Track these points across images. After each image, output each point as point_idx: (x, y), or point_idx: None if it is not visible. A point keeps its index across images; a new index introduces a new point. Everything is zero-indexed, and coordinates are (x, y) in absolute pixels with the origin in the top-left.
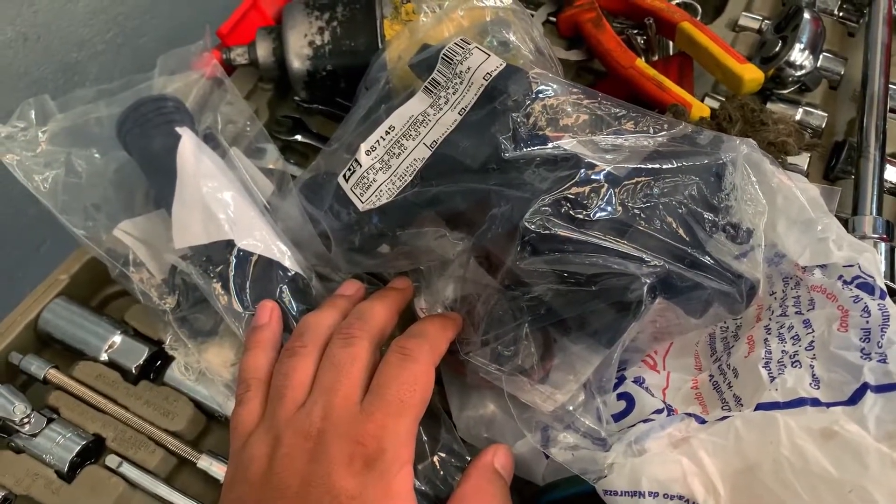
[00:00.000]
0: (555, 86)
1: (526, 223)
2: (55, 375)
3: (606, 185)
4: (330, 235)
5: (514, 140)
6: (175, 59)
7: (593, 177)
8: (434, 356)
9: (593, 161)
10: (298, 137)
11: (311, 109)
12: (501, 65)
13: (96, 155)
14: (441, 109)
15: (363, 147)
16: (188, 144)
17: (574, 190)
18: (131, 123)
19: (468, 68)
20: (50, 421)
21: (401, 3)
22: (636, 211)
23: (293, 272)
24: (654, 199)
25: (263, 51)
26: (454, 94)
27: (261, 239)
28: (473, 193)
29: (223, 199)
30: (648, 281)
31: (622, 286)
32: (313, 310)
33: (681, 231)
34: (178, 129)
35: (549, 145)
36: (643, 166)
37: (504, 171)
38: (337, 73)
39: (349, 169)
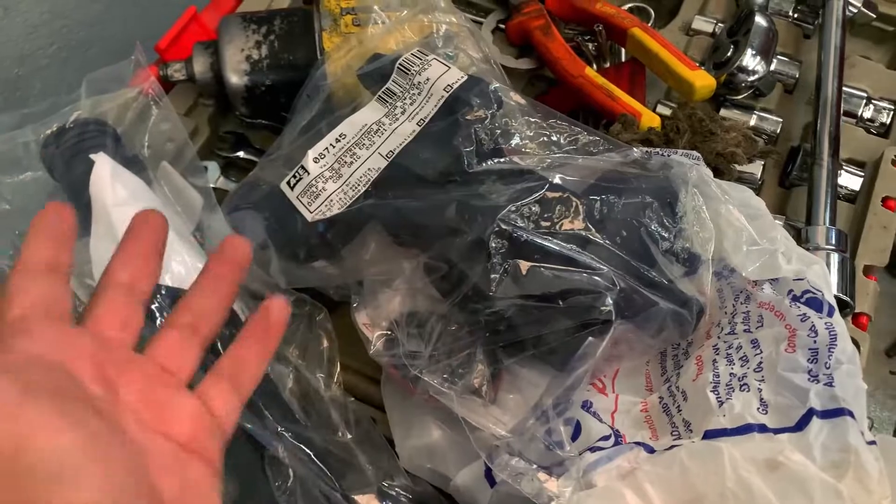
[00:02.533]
0: (515, 99)
1: (495, 231)
2: None
3: (570, 198)
4: (272, 248)
5: (478, 153)
6: (105, 77)
7: (554, 191)
8: None
9: (552, 176)
10: (241, 154)
11: (254, 124)
12: (462, 77)
13: (26, 181)
14: (397, 119)
15: (311, 154)
16: (102, 172)
17: (538, 202)
18: (52, 151)
19: (427, 79)
20: None
21: (339, 15)
22: (598, 226)
23: None
24: (615, 215)
25: (200, 66)
26: (412, 104)
27: (178, 269)
28: (435, 205)
29: None
30: (614, 298)
31: (588, 304)
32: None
33: (639, 249)
34: (93, 156)
35: (510, 159)
36: (602, 184)
37: (466, 183)
38: (276, 87)
39: (294, 176)
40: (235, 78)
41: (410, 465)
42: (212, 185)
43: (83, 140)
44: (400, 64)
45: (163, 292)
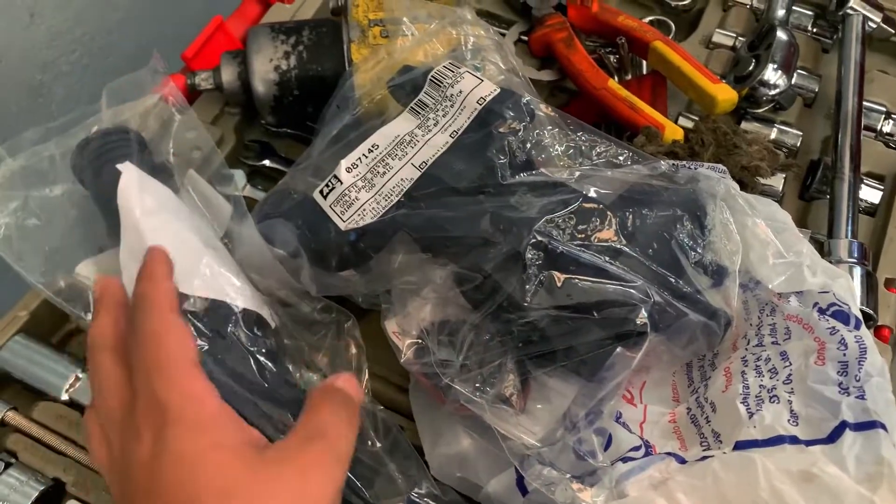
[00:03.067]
0: (546, 111)
1: (531, 243)
2: (13, 417)
3: (603, 210)
4: (303, 256)
5: (511, 165)
6: (125, 86)
7: (588, 203)
8: (166, 303)
9: (586, 189)
10: (267, 162)
11: (279, 133)
12: (495, 90)
13: (54, 194)
14: (430, 131)
15: (343, 164)
16: (129, 183)
17: (572, 214)
18: (83, 163)
19: (460, 91)
20: (7, 466)
21: (368, 26)
22: (630, 238)
23: (241, 309)
24: (646, 228)
25: (228, 76)
26: (444, 116)
27: (205, 280)
28: (469, 216)
29: (165, 240)
30: (648, 310)
31: (623, 316)
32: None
33: (670, 261)
34: (119, 166)
35: (542, 171)
36: (632, 196)
37: (499, 194)
38: (304, 97)
39: (328, 185)
40: (263, 87)
41: (440, 474)
42: (237, 193)
43: (108, 150)
44: (432, 76)
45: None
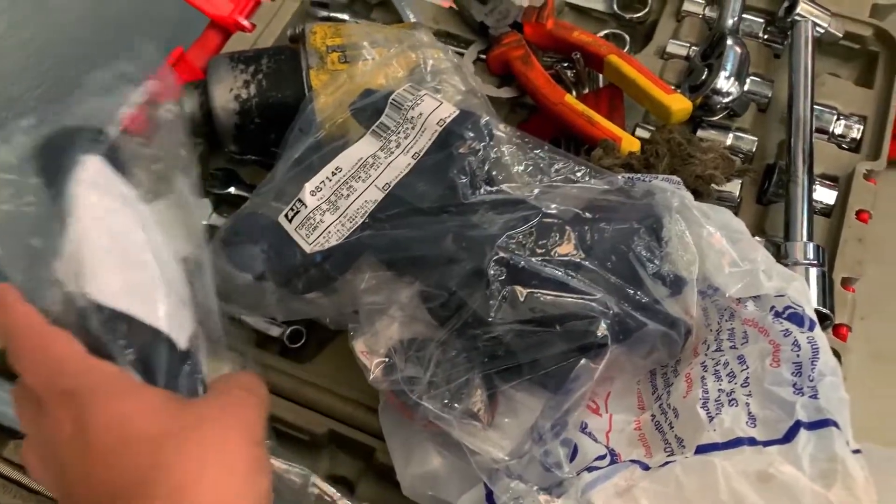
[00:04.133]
0: (504, 131)
1: (494, 259)
2: None
3: (562, 226)
4: (269, 280)
5: (472, 184)
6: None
7: (547, 219)
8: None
9: (545, 205)
10: (232, 190)
11: (244, 161)
12: (455, 111)
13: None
14: (392, 153)
15: (308, 187)
16: (88, 176)
17: (532, 230)
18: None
19: (420, 114)
20: None
21: (326, 52)
22: (589, 252)
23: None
24: (605, 241)
25: (190, 106)
26: (406, 138)
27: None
28: (432, 235)
29: (104, 235)
30: (608, 322)
31: (583, 328)
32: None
33: (628, 273)
34: (84, 157)
35: (501, 189)
36: (590, 211)
37: (461, 213)
38: (265, 125)
39: (292, 209)
40: (225, 117)
41: (412, 493)
42: (204, 223)
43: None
44: (393, 99)
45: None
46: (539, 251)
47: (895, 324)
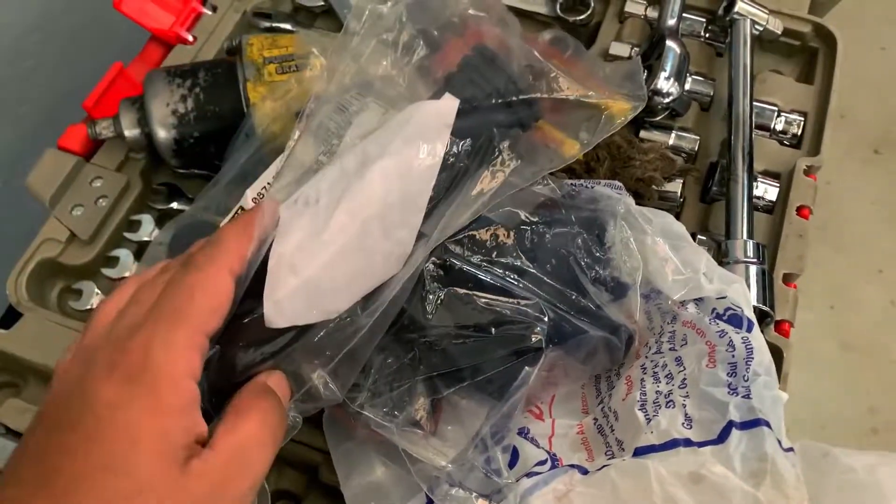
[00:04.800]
0: None
1: (431, 260)
2: None
3: (501, 229)
4: None
5: None
6: None
7: (488, 223)
8: (225, 261)
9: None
10: (175, 205)
11: (187, 174)
12: None
13: None
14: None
15: (249, 193)
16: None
17: (473, 233)
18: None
19: (365, 121)
20: None
21: (263, 64)
22: (529, 255)
23: None
24: (545, 245)
25: (128, 122)
26: None
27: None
28: None
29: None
30: (545, 327)
31: (519, 333)
32: None
33: (568, 278)
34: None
35: None
36: (532, 216)
37: None
38: (205, 138)
39: (235, 216)
40: (163, 132)
41: None
42: (146, 238)
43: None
44: (339, 103)
45: None
46: (479, 255)
47: (862, 312)
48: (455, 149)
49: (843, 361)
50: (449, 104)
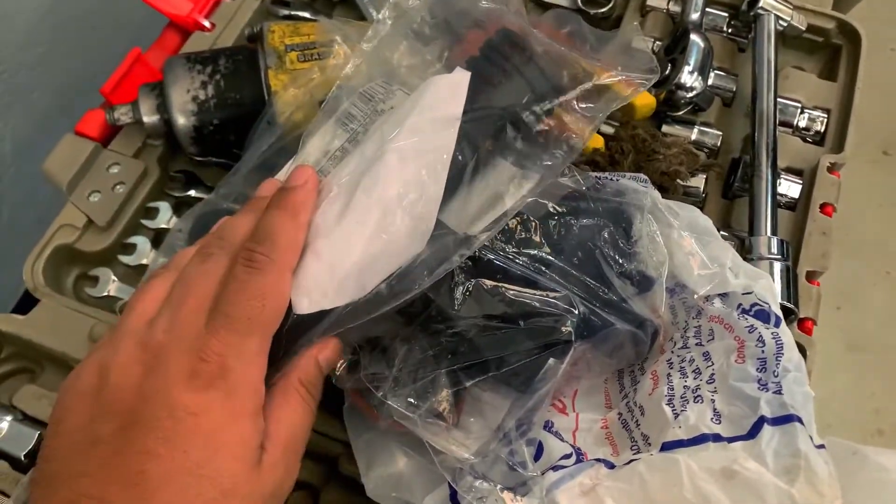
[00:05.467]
0: None
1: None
2: None
3: (528, 221)
4: None
5: None
6: None
7: (516, 215)
8: (287, 259)
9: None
10: (192, 193)
11: (204, 162)
12: None
13: None
14: (360, 144)
15: None
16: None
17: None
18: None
19: (391, 108)
20: None
21: (284, 52)
22: (556, 248)
23: None
24: (572, 238)
25: (147, 108)
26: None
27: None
28: None
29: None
30: (575, 320)
31: (548, 326)
32: None
33: (595, 271)
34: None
35: None
36: (559, 208)
37: None
38: (224, 125)
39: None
40: (183, 119)
41: (375, 495)
42: (163, 226)
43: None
44: (363, 91)
45: None
46: (506, 246)
47: (869, 314)
48: (472, 131)
49: (849, 363)
50: (461, 76)
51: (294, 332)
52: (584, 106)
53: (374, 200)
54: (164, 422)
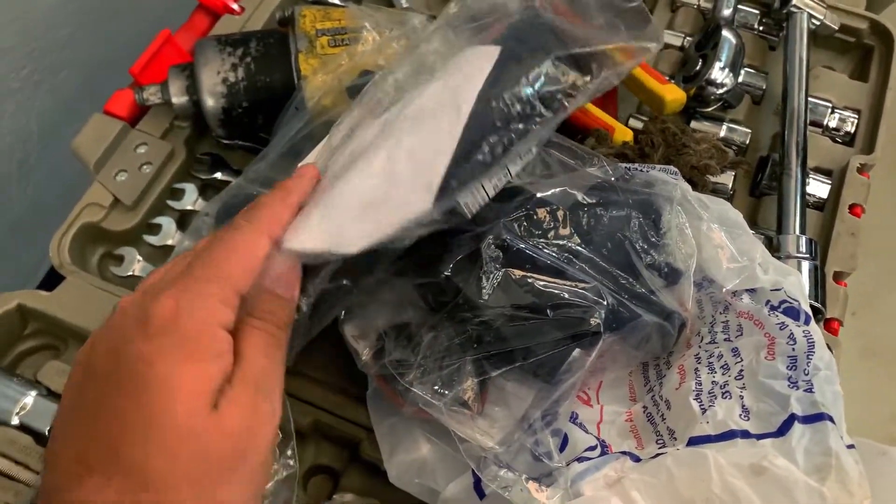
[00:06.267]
0: None
1: (490, 240)
2: None
3: (558, 211)
4: None
5: None
6: None
7: (545, 205)
8: (264, 224)
9: (542, 191)
10: (219, 175)
11: (231, 146)
12: None
13: None
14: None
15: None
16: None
17: (530, 215)
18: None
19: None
20: None
21: (315, 36)
22: (585, 238)
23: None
24: (601, 228)
25: (176, 90)
26: None
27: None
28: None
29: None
30: (604, 311)
31: (577, 317)
32: None
33: (624, 262)
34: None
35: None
36: (587, 202)
37: None
38: (253, 109)
39: None
40: (212, 101)
41: (398, 481)
42: (189, 207)
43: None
44: (395, 79)
45: None
46: (535, 236)
47: (885, 319)
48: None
49: (864, 368)
50: (490, 48)
51: None
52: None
53: (381, 151)
54: (127, 379)
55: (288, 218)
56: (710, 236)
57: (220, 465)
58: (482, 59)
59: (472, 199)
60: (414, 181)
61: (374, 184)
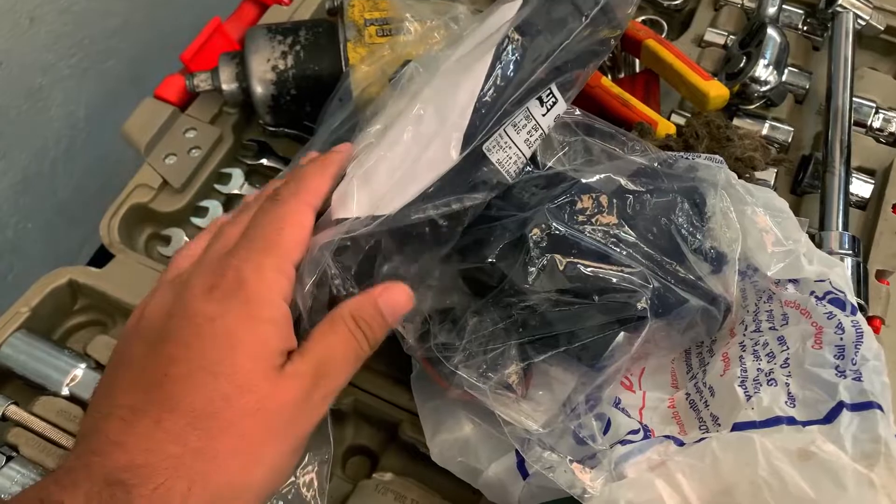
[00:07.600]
0: None
1: (535, 225)
2: (15, 412)
3: (602, 197)
4: None
5: None
6: None
7: (590, 190)
8: (308, 196)
9: (586, 176)
10: (264, 161)
11: (277, 133)
12: None
13: None
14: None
15: None
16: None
17: (574, 200)
18: None
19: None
20: (9, 459)
21: (364, 26)
22: (630, 223)
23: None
24: (646, 213)
25: (226, 76)
26: None
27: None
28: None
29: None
30: (650, 296)
31: (623, 301)
32: None
33: (669, 247)
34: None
35: (546, 164)
36: (632, 184)
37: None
38: (301, 97)
39: None
40: (261, 88)
41: (440, 459)
42: (235, 191)
43: None
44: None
45: None
46: (580, 221)
47: None
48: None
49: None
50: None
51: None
52: None
53: (411, 116)
54: (184, 330)
55: (326, 190)
56: (755, 220)
57: (267, 426)
58: (504, 17)
59: (504, 155)
60: (439, 132)
61: (406, 140)
